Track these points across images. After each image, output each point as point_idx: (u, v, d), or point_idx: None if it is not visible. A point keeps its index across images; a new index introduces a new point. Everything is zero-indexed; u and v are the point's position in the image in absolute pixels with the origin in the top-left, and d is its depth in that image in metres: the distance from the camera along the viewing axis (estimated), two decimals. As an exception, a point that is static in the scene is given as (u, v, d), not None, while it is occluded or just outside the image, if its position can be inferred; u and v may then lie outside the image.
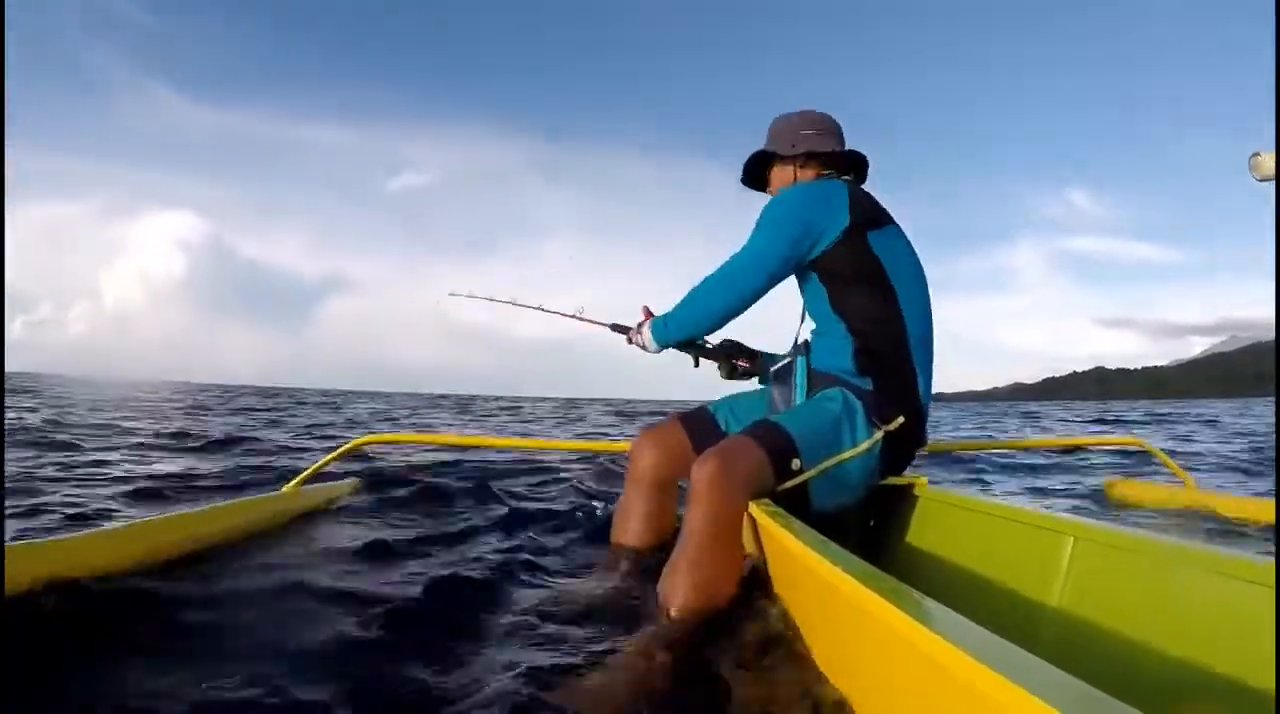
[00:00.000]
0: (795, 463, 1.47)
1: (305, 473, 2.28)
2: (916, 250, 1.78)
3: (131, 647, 1.17)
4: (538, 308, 2.16)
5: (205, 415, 8.51)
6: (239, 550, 1.76)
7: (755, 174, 1.95)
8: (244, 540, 1.82)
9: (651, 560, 1.71)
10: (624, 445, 2.06)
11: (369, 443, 2.36)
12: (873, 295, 1.62)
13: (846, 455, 1.52)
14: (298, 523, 2.05)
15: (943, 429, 10.65)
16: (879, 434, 1.55)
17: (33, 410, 7.92)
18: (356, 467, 3.30)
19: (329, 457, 2.29)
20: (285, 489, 2.22)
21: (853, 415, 1.55)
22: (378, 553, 1.83)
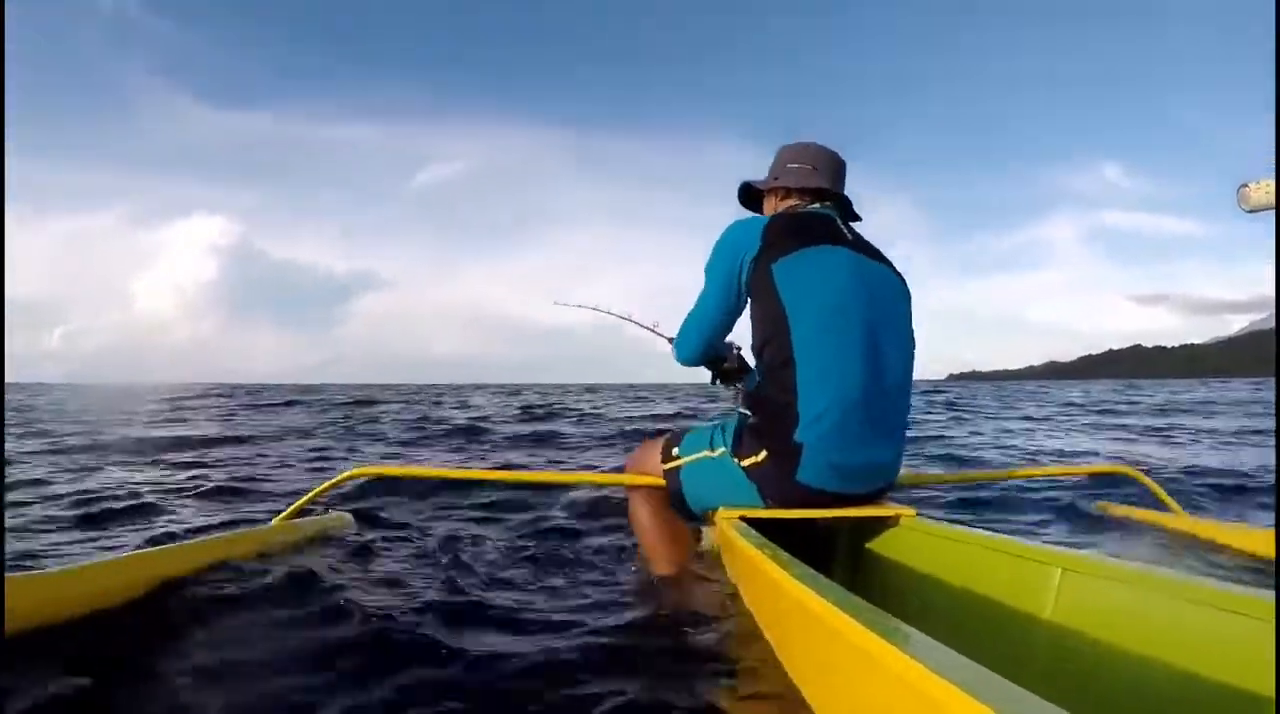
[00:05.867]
0: (675, 451, 1.87)
1: (294, 506, 2.26)
2: (898, 268, 1.80)
3: (95, 688, 1.15)
4: (626, 318, 2.45)
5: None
6: (222, 587, 1.70)
7: (750, 197, 2.03)
8: (228, 576, 1.78)
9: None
10: (627, 478, 2.06)
11: (359, 476, 2.33)
12: (767, 326, 1.66)
13: (711, 454, 1.77)
14: (285, 558, 2.02)
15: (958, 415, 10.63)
16: (736, 461, 1.71)
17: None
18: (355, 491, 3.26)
19: (318, 489, 2.26)
20: (274, 522, 2.19)
21: (724, 433, 1.78)
22: (368, 592, 1.80)
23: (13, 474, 4.11)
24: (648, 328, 2.36)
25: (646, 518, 1.99)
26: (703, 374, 2.10)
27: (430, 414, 11.80)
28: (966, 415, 11.46)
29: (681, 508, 1.89)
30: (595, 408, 14.23)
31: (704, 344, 1.91)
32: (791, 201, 1.87)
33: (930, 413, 12.13)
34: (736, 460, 1.71)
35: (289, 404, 16.13)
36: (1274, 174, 1.53)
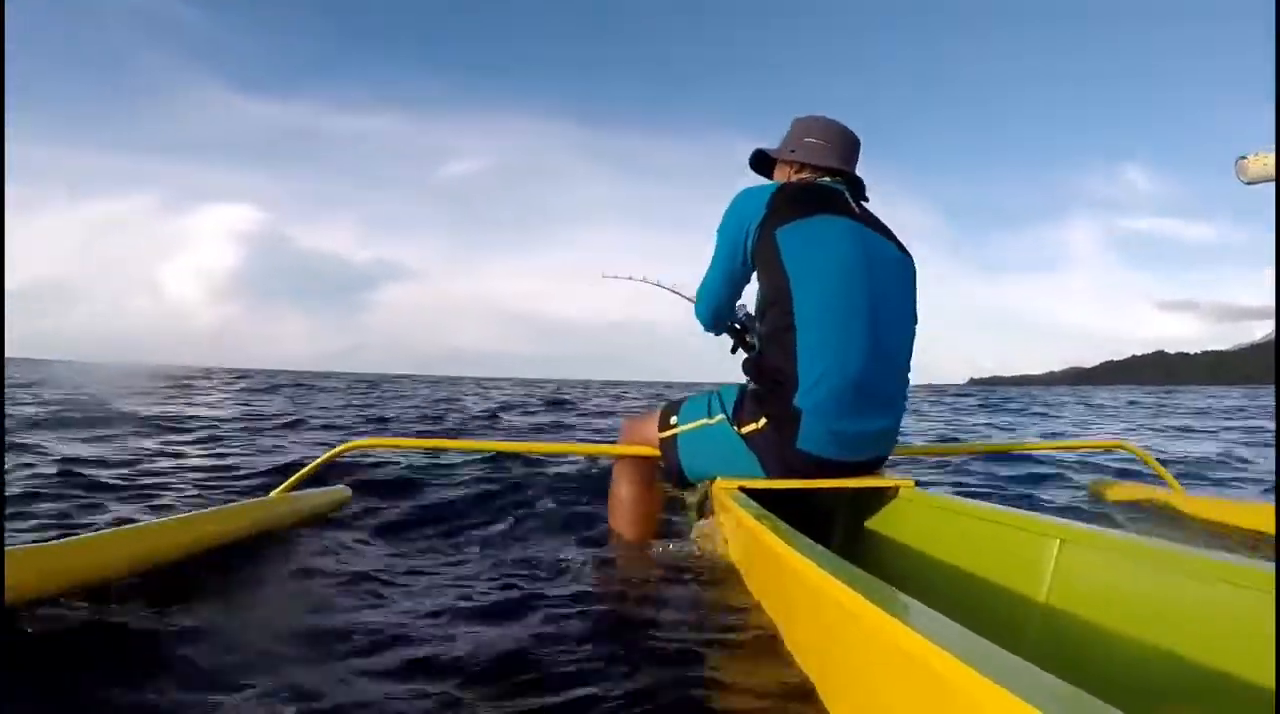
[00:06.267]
0: (673, 419, 1.86)
1: (293, 478, 2.26)
2: (899, 242, 1.81)
3: (83, 666, 1.13)
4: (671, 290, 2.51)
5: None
6: (218, 560, 1.69)
7: (763, 164, 2.03)
8: (224, 550, 1.75)
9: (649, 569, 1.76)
10: (621, 448, 2.06)
11: (355, 448, 2.33)
12: (770, 292, 1.68)
13: (710, 421, 1.78)
14: (284, 531, 2.01)
15: (967, 418, 10.26)
16: (736, 428, 1.72)
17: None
18: (350, 465, 3.26)
19: (316, 462, 2.27)
20: (273, 495, 2.19)
21: (723, 401, 1.78)
22: (367, 565, 1.79)
23: (9, 441, 4.11)
24: (688, 298, 2.41)
25: (626, 490, 1.99)
26: (719, 369, 2.13)
27: (448, 402, 11.84)
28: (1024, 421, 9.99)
29: (679, 478, 1.89)
30: (615, 402, 14.21)
31: (712, 309, 1.96)
32: (804, 176, 1.88)
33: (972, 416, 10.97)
34: (736, 428, 1.71)
35: (298, 385, 16.27)
36: (1274, 147, 1.53)
